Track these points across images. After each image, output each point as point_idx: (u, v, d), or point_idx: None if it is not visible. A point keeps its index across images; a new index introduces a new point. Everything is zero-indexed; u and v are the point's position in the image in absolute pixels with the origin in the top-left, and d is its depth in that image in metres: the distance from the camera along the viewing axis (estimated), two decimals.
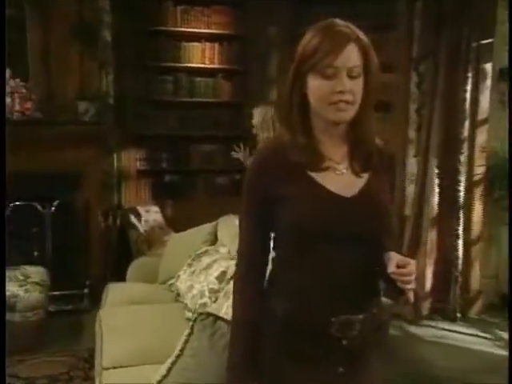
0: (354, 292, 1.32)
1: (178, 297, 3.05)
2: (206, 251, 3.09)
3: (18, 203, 4.08)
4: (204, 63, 5.08)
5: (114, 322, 2.72)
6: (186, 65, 5.03)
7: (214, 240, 3.35)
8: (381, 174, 1.37)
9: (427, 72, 4.18)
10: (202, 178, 5.11)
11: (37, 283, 3.56)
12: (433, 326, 4.01)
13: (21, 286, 3.50)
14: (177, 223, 4.60)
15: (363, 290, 1.34)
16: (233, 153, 4.23)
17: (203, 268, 2.85)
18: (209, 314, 1.78)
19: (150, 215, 4.78)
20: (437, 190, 4.11)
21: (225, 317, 1.99)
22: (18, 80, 4.12)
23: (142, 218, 4.71)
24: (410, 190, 4.30)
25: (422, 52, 4.25)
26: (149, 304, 2.97)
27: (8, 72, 4.09)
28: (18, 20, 4.17)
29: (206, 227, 3.37)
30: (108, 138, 4.40)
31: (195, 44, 5.06)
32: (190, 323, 1.80)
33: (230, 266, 2.64)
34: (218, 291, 2.63)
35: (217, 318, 1.78)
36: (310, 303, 1.32)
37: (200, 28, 5.04)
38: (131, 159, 4.85)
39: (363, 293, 1.34)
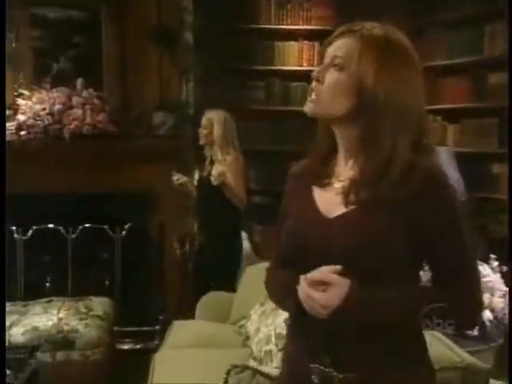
0: (339, 340, 1.25)
1: (246, 341, 2.99)
2: None
3: (87, 225, 4.26)
4: (301, 65, 5.05)
5: (167, 367, 2.71)
6: (280, 68, 5.04)
7: None
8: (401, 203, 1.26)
9: None
10: None
11: (98, 317, 3.66)
12: None
13: (81, 319, 3.62)
14: (267, 252, 4.55)
15: (355, 340, 1.25)
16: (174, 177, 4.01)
17: (273, 308, 2.76)
18: (245, 367, 1.69)
19: None
20: None
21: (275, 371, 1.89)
22: (91, 90, 4.34)
23: None
24: None
25: None
26: (212, 348, 2.93)
27: (80, 82, 4.33)
28: (92, 24, 4.42)
29: None
30: (187, 153, 4.49)
31: (291, 43, 5.07)
32: (224, 376, 1.72)
33: None
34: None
35: (255, 371, 1.68)
36: (296, 338, 1.37)
37: (297, 24, 5.04)
38: None
39: (355, 343, 1.25)
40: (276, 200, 5.03)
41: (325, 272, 1.22)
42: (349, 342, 1.25)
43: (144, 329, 4.25)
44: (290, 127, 5.01)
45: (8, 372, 2.74)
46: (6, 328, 3.52)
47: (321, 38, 5.04)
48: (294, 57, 5.06)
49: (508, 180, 3.46)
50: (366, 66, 1.25)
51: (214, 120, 3.95)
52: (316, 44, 5.07)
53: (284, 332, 2.56)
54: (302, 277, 1.25)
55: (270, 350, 2.58)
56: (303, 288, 1.23)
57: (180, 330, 3.26)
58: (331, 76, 1.28)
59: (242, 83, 5.00)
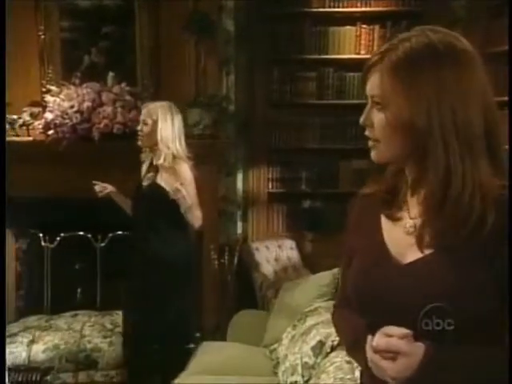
0: None
1: (277, 367, 2.98)
2: (316, 309, 2.98)
3: (117, 233, 4.35)
4: (359, 53, 4.94)
5: None
6: (335, 56, 4.95)
7: (334, 294, 3.21)
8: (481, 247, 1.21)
9: None
10: None
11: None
12: None
13: (105, 337, 3.71)
14: (317, 263, 4.51)
15: None
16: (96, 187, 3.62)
17: (302, 333, 2.75)
18: None
19: (283, 252, 4.79)
20: None
21: None
22: (123, 85, 4.42)
23: (272, 256, 4.73)
24: None
25: None
26: (238, 375, 2.94)
27: (110, 76, 4.42)
28: (124, 12, 4.51)
29: (325, 276, 3.26)
30: (227, 154, 4.50)
31: (347, 28, 4.96)
32: None
33: (331, 335, 2.51)
34: (312, 367, 2.51)
35: None
36: None
37: (355, 6, 4.94)
38: (261, 180, 4.89)
39: None
40: (328, 204, 4.96)
41: (393, 339, 1.18)
42: None
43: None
44: (346, 123, 4.93)
45: None
46: (26, 344, 3.66)
47: (381, 21, 4.95)
48: (350, 43, 4.94)
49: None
50: (401, 99, 1.22)
51: (157, 115, 3.46)
52: (376, 28, 4.96)
53: (311, 362, 2.56)
54: (368, 338, 1.23)
55: (296, 382, 2.57)
56: (370, 354, 1.22)
57: (207, 354, 3.28)
58: (377, 118, 1.28)
59: (291, 74, 4.94)
